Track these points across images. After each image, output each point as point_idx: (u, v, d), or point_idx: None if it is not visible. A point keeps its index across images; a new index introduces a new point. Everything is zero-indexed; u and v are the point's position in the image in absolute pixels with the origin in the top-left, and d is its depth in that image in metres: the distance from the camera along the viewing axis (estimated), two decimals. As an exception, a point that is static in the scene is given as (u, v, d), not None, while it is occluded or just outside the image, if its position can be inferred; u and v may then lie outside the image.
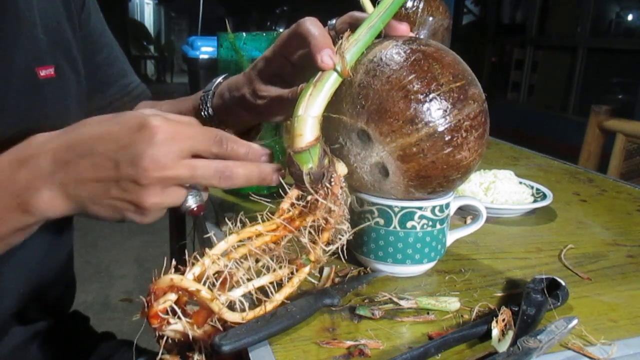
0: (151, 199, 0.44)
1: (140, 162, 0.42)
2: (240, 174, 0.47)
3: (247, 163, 0.48)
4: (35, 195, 0.44)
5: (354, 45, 0.49)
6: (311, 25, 0.50)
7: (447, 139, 0.48)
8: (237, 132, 0.62)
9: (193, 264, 0.42)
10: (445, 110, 0.47)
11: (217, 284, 0.42)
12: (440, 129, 0.47)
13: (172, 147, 0.43)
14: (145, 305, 0.40)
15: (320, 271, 0.56)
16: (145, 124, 0.43)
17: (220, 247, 0.44)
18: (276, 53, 0.56)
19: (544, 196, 0.82)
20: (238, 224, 0.47)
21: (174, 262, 0.42)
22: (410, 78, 0.48)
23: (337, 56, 0.48)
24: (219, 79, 0.64)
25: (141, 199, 0.44)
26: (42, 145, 0.45)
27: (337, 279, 0.55)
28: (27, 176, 0.44)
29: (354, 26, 0.53)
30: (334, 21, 0.58)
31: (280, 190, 0.49)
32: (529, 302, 0.49)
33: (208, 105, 0.62)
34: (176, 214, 1.38)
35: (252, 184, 0.48)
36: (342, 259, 0.51)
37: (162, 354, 0.44)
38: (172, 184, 0.44)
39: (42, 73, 0.63)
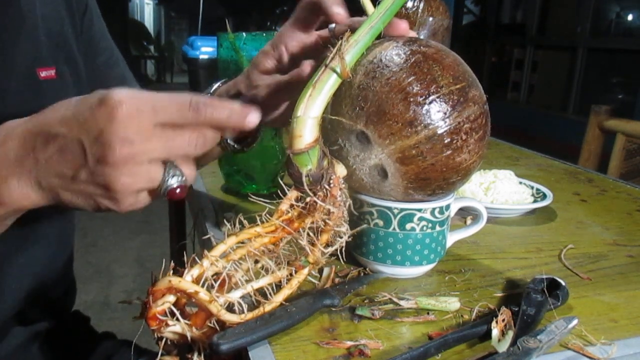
0: (121, 179, 0.40)
1: (104, 138, 0.39)
2: (210, 135, 0.42)
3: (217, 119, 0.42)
4: (4, 185, 0.42)
5: (354, 46, 0.49)
6: None
7: (446, 141, 0.48)
8: (236, 137, 0.62)
9: (192, 266, 0.42)
10: (445, 113, 0.47)
11: (216, 285, 0.42)
12: (440, 131, 0.47)
13: (137, 120, 0.39)
14: (144, 306, 0.40)
15: (320, 271, 0.56)
16: (105, 98, 0.39)
17: (219, 248, 0.44)
18: (275, 44, 0.56)
19: (544, 196, 0.82)
20: (237, 225, 0.47)
21: (172, 264, 0.42)
22: (409, 80, 0.48)
23: (337, 57, 0.48)
24: (218, 84, 0.63)
25: (110, 179, 0.40)
26: (11, 131, 0.43)
27: (337, 280, 0.55)
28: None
29: (353, 29, 0.53)
30: (333, 25, 0.58)
31: (279, 192, 0.49)
32: (529, 302, 0.49)
33: None
34: (177, 213, 1.38)
35: (228, 136, 0.44)
36: (341, 260, 0.51)
37: (162, 355, 0.44)
38: (143, 160, 0.40)
39: (43, 74, 0.63)
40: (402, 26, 0.53)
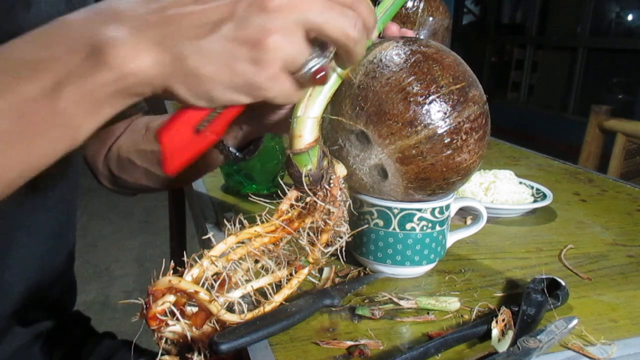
0: (275, 33, 0.34)
1: None
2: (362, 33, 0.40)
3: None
4: (108, 29, 0.33)
5: (354, 46, 0.49)
6: None
7: (446, 141, 0.48)
8: (238, 146, 0.62)
9: (192, 266, 0.42)
10: (445, 113, 0.47)
11: (216, 285, 0.42)
12: (440, 131, 0.47)
13: None
14: (144, 306, 0.40)
15: (320, 271, 0.56)
16: None
17: (219, 248, 0.44)
18: None
19: (544, 196, 0.82)
20: (237, 225, 0.47)
21: (172, 264, 0.42)
22: (409, 80, 0.48)
23: None
24: None
25: (263, 31, 0.34)
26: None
27: (337, 280, 0.55)
28: (103, 17, 0.34)
29: None
30: None
31: (279, 192, 0.49)
32: (529, 302, 0.49)
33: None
34: (177, 213, 1.38)
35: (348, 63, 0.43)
36: (341, 260, 0.51)
37: (162, 355, 0.44)
38: (300, 18, 0.35)
39: None
40: (392, 29, 0.53)
